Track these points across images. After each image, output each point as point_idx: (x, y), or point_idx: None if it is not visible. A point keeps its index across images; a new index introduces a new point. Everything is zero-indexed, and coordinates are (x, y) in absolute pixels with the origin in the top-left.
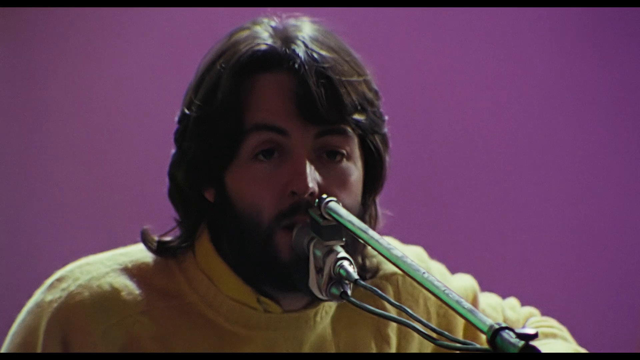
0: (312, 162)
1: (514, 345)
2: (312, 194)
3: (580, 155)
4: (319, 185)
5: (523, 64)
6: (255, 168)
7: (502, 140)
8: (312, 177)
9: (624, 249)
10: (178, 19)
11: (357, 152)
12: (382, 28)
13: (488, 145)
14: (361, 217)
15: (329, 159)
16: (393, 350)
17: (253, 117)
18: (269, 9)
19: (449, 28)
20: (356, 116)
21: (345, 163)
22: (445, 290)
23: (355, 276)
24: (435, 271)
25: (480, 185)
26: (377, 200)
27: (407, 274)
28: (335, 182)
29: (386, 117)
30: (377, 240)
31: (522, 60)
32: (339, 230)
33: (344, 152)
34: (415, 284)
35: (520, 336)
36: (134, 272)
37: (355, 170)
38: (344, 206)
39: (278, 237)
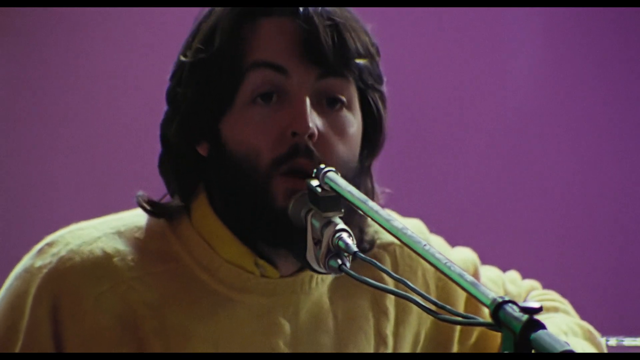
0: (312, 107)
1: (517, 319)
2: (312, 135)
3: (577, 145)
4: (318, 130)
5: (522, 61)
6: (253, 112)
7: (502, 133)
8: (312, 119)
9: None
10: (177, 19)
11: (356, 104)
12: (380, 28)
13: (489, 138)
14: (357, 178)
15: (328, 106)
16: (391, 321)
17: (253, 56)
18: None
19: (447, 28)
20: (359, 61)
21: (344, 112)
22: (447, 262)
23: (354, 248)
24: (435, 244)
25: (480, 173)
26: (374, 176)
27: (408, 245)
28: (334, 130)
29: (385, 78)
30: (376, 211)
31: (521, 58)
32: (338, 201)
33: (344, 99)
34: (413, 255)
35: (524, 310)
36: (127, 235)
37: (354, 122)
38: (341, 157)
39: (275, 182)
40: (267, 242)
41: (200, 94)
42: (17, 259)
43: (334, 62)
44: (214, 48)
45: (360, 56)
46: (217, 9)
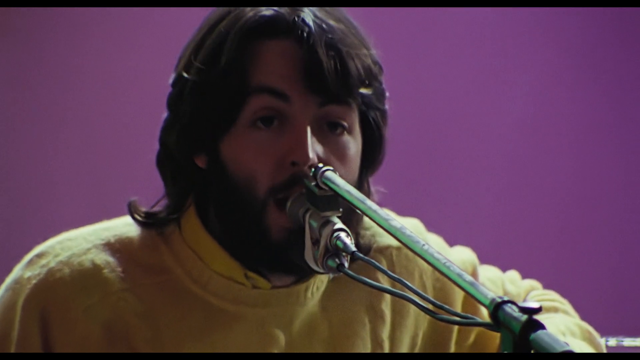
0: (313, 133)
1: (516, 319)
2: (312, 165)
3: (577, 145)
4: (318, 157)
5: (521, 62)
6: (253, 135)
7: (502, 133)
8: (313, 147)
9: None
10: (178, 19)
11: (357, 127)
12: (380, 28)
13: (489, 138)
14: None
15: (329, 130)
16: (387, 325)
17: (256, 80)
18: None
19: (447, 29)
20: (362, 90)
21: (345, 136)
22: (445, 262)
23: (353, 248)
24: (433, 244)
25: (480, 172)
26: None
27: (406, 245)
28: (334, 155)
29: (387, 94)
30: (375, 211)
31: (521, 59)
32: (336, 200)
33: (346, 124)
34: (410, 257)
35: (523, 310)
36: (117, 247)
37: (354, 145)
38: None
39: (271, 213)
40: (261, 266)
41: (201, 113)
42: (17, 259)
43: (336, 90)
44: (217, 70)
45: (362, 83)
46: (222, 24)
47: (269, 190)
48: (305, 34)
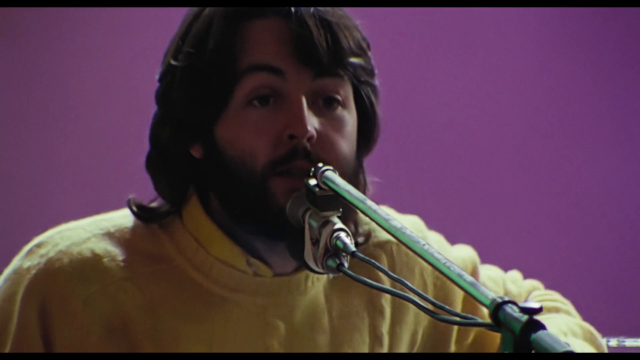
0: (309, 107)
1: (517, 319)
2: (311, 138)
3: (578, 145)
4: (316, 130)
5: (520, 59)
6: (249, 114)
7: (503, 131)
8: (310, 120)
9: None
10: (178, 19)
11: (352, 102)
12: (380, 28)
13: (490, 135)
14: (356, 175)
15: (325, 106)
16: (387, 320)
17: (248, 59)
18: None
19: (447, 27)
20: (353, 59)
21: (340, 110)
22: (446, 262)
23: (353, 248)
24: (433, 242)
25: (481, 171)
26: (365, 168)
27: (407, 245)
28: (332, 128)
29: (376, 71)
30: (374, 211)
31: (520, 55)
32: (336, 200)
33: (340, 98)
34: (410, 253)
35: (524, 310)
36: (117, 236)
37: (350, 119)
38: (342, 154)
39: (273, 182)
40: (267, 238)
41: (193, 98)
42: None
43: (328, 62)
44: (206, 52)
45: (353, 54)
46: (207, 9)
47: (268, 164)
48: (292, 9)
